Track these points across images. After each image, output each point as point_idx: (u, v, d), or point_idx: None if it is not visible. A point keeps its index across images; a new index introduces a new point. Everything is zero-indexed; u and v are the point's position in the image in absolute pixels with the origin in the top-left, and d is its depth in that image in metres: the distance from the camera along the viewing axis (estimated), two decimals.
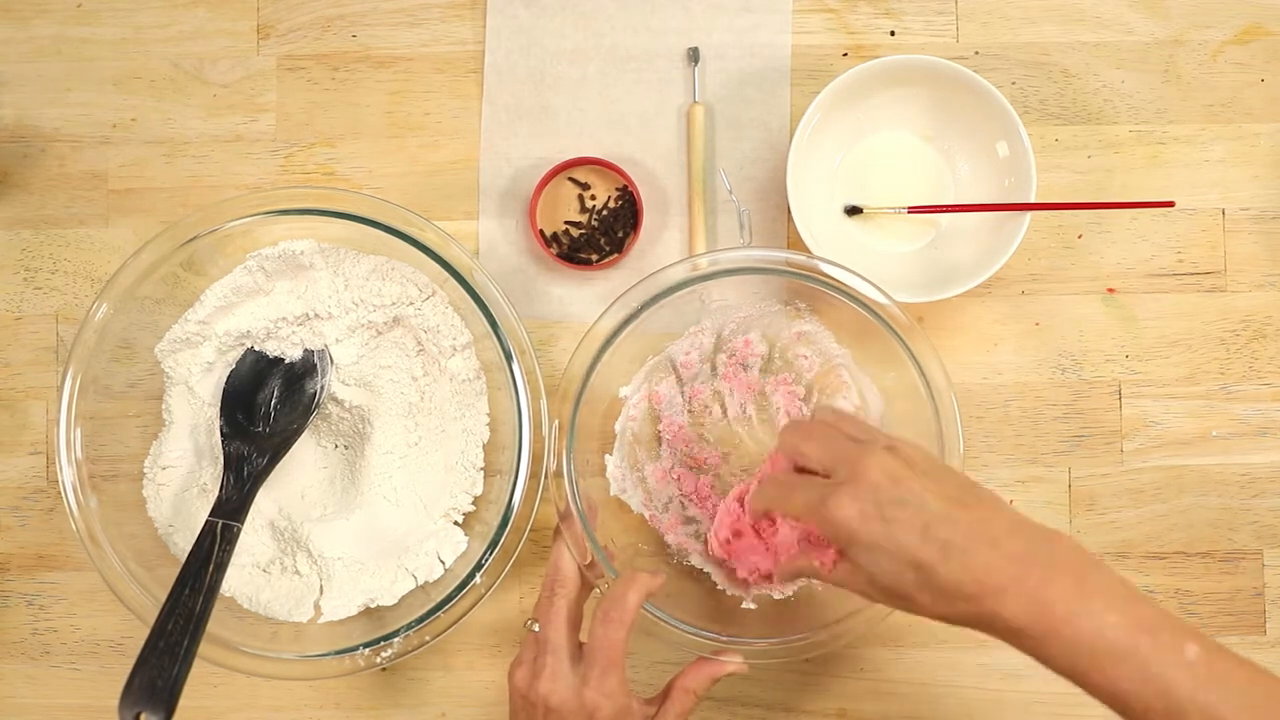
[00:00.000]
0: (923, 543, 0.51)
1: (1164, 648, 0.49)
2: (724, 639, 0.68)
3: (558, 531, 0.66)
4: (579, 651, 0.62)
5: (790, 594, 0.73)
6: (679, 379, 0.77)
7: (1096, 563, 0.52)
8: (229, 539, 0.66)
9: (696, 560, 0.75)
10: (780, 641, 0.68)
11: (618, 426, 0.76)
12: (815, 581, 0.73)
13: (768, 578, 0.69)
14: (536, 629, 0.63)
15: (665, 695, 0.65)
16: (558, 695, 0.60)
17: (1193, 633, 0.50)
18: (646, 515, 0.75)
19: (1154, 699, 0.49)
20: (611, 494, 0.75)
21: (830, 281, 0.68)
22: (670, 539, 0.75)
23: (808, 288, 0.70)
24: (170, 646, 0.61)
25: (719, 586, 0.74)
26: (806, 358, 0.76)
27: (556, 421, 0.68)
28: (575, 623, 0.63)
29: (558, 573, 0.64)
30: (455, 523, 0.74)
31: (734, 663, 0.65)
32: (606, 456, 0.75)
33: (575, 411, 0.68)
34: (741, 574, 0.70)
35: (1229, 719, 0.48)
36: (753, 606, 0.72)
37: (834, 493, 0.54)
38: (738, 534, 0.67)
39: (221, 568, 0.65)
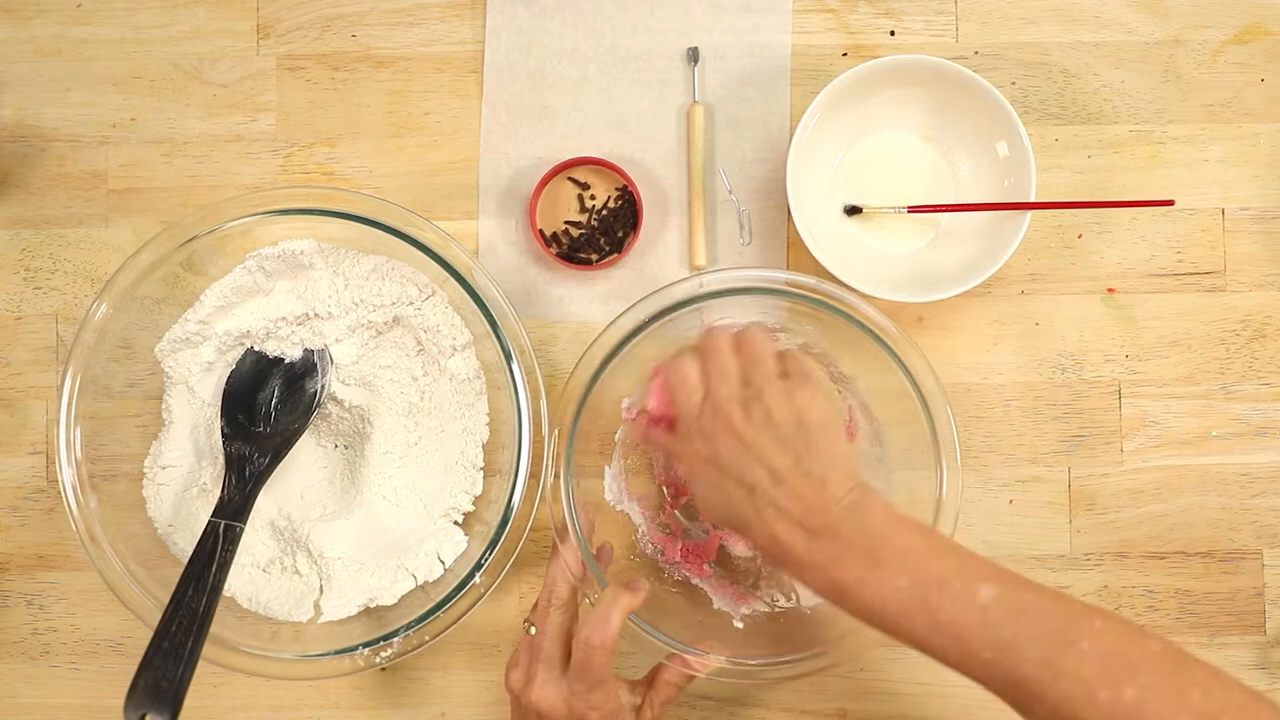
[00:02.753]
0: (746, 498, 0.57)
1: (953, 597, 0.53)
2: (709, 658, 0.68)
3: (554, 547, 0.67)
4: (569, 660, 0.64)
5: (779, 608, 0.73)
6: None
7: (898, 525, 0.55)
8: (232, 539, 0.66)
9: (689, 572, 0.75)
10: (768, 662, 0.68)
11: (617, 437, 0.76)
12: (804, 605, 0.73)
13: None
14: (533, 632, 0.65)
15: (649, 682, 0.67)
16: (548, 703, 0.63)
17: (991, 574, 0.53)
18: (640, 528, 0.75)
19: (947, 644, 0.53)
20: (611, 504, 0.75)
21: (821, 298, 0.68)
22: (662, 550, 0.75)
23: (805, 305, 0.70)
24: (175, 648, 0.61)
25: (715, 605, 0.73)
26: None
27: (556, 431, 0.68)
28: (568, 635, 0.65)
29: (553, 589, 0.66)
30: (455, 523, 0.74)
31: (714, 663, 0.68)
32: (606, 468, 0.75)
33: (574, 431, 0.68)
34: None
35: (1019, 648, 0.51)
36: (740, 625, 0.72)
37: (680, 444, 0.59)
38: None
39: (224, 568, 0.65)
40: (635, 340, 0.68)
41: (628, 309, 0.68)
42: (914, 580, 0.54)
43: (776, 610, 0.73)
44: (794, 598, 0.73)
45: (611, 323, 0.68)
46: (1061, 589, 0.75)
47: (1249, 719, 0.49)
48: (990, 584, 0.53)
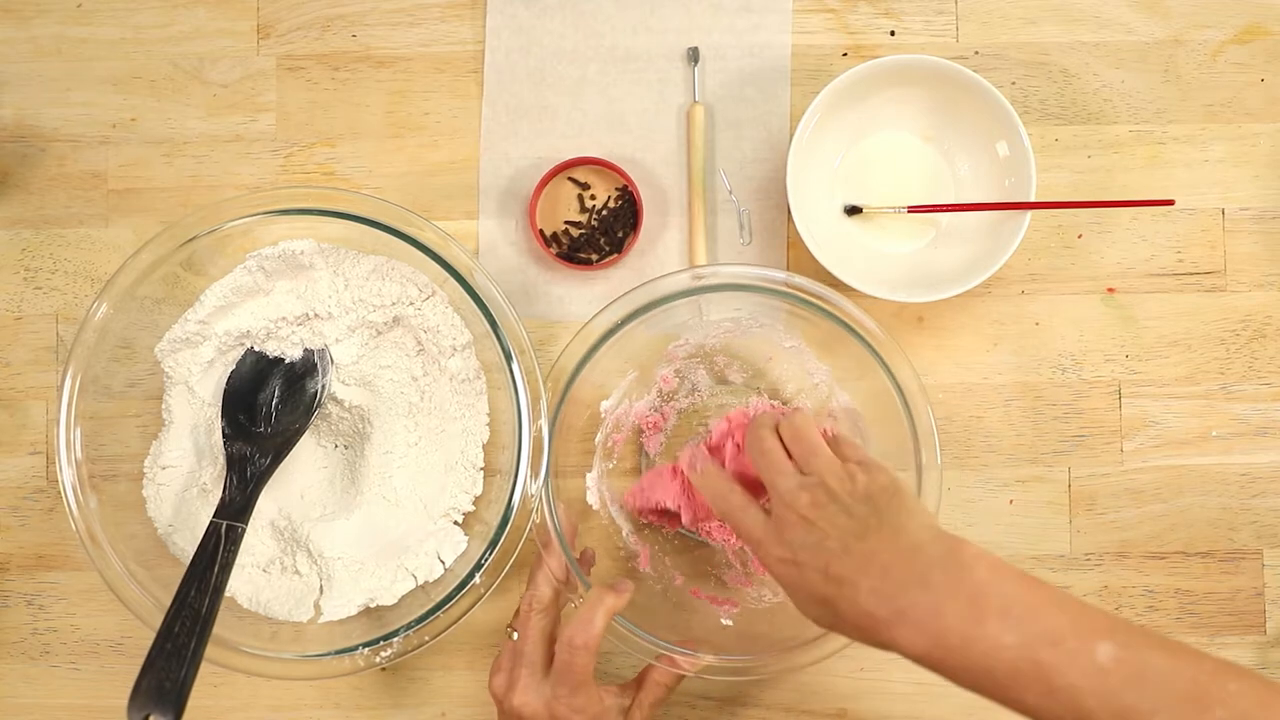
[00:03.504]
0: (825, 582, 0.54)
1: (1069, 657, 0.48)
2: (698, 657, 0.68)
3: (538, 557, 0.68)
4: (551, 664, 0.64)
5: (765, 604, 0.73)
6: (659, 396, 0.76)
7: (1000, 574, 0.51)
8: (234, 540, 0.66)
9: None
10: (759, 659, 0.68)
11: (597, 440, 0.75)
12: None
13: (668, 516, 0.71)
14: (515, 637, 0.65)
15: (639, 684, 0.67)
16: (530, 708, 0.63)
17: (1108, 629, 0.49)
18: (624, 531, 0.76)
19: (1062, 712, 0.48)
20: (593, 507, 0.75)
21: (806, 297, 0.68)
22: (648, 555, 0.75)
23: (797, 308, 0.70)
24: (178, 649, 0.61)
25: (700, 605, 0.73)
26: (789, 377, 0.76)
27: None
28: (550, 639, 0.65)
29: (536, 594, 0.66)
30: (455, 523, 0.74)
31: (704, 661, 0.68)
32: (587, 473, 0.75)
33: (552, 434, 0.68)
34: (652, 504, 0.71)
35: (1146, 716, 0.46)
36: (729, 623, 0.72)
37: (763, 536, 0.58)
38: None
39: (227, 569, 0.65)
40: (616, 336, 0.68)
41: (605, 307, 0.68)
42: (1024, 637, 0.49)
43: (764, 606, 0.73)
44: (780, 593, 0.73)
45: (590, 320, 0.68)
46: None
47: None
48: (1108, 641, 0.48)
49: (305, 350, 0.74)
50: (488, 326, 0.69)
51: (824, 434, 0.62)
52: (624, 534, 0.76)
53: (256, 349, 0.73)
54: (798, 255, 0.78)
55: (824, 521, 0.55)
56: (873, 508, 0.56)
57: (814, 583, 0.54)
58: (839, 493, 0.57)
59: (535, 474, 0.68)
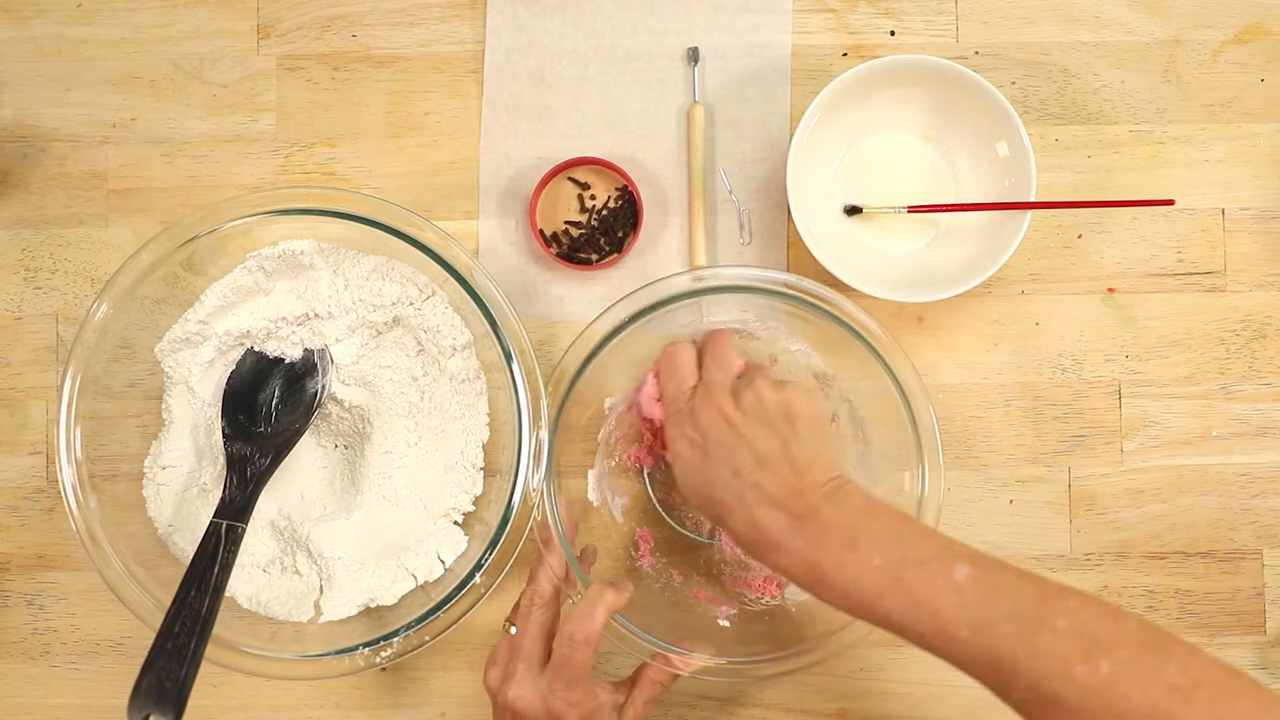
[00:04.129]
0: (730, 483, 0.59)
1: (931, 575, 0.54)
2: (693, 656, 0.68)
3: (540, 554, 0.68)
4: (549, 660, 0.64)
5: (763, 605, 0.73)
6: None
7: (875, 513, 0.57)
8: (234, 540, 0.66)
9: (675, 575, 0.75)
10: (755, 660, 0.68)
11: (600, 436, 0.75)
12: (788, 602, 0.73)
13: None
14: (513, 631, 0.66)
15: (634, 682, 0.67)
16: (524, 701, 0.63)
17: (968, 556, 0.55)
18: (624, 528, 0.76)
19: (924, 622, 0.54)
20: (594, 504, 0.75)
21: (808, 298, 0.68)
22: (647, 555, 0.75)
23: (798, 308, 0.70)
24: (178, 648, 0.61)
25: (699, 606, 0.73)
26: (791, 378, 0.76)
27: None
28: (549, 634, 0.66)
29: (536, 589, 0.66)
30: (455, 523, 0.74)
31: (698, 661, 0.68)
32: (590, 471, 0.75)
33: (554, 434, 0.68)
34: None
35: (996, 625, 0.52)
36: (726, 624, 0.72)
37: (676, 417, 0.62)
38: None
39: (227, 569, 0.65)
40: (619, 338, 0.68)
41: (608, 308, 0.68)
42: (890, 559, 0.55)
43: (761, 608, 0.73)
44: (778, 596, 0.73)
45: (593, 321, 0.68)
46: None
47: (1227, 695, 0.49)
48: (966, 563, 0.54)
49: (305, 350, 0.74)
50: (488, 326, 0.69)
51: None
52: (625, 531, 0.76)
53: (256, 349, 0.74)
54: (798, 255, 0.78)
55: (746, 427, 0.60)
56: (792, 429, 0.60)
57: (718, 478, 0.59)
58: (768, 402, 0.61)
59: (536, 473, 0.68)
